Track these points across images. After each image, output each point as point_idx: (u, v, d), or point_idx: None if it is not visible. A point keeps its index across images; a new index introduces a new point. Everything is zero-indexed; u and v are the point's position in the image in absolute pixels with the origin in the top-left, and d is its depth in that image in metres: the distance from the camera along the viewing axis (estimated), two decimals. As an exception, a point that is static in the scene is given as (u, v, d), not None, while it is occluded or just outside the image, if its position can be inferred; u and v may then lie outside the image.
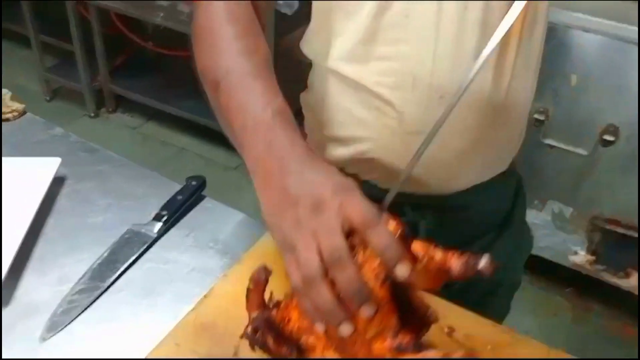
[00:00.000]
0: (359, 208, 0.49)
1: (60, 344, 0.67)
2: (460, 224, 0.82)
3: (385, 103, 0.71)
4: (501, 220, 0.89)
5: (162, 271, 0.77)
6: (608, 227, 1.79)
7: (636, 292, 1.84)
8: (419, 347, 0.51)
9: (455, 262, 0.52)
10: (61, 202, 0.87)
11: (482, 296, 0.87)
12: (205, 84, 0.66)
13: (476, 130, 0.73)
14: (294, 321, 0.56)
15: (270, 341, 0.54)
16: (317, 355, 0.55)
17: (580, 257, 1.92)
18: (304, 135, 0.71)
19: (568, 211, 1.85)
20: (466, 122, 0.71)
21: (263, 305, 0.58)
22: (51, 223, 0.83)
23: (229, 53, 0.64)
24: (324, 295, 0.48)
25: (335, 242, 0.48)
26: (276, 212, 0.53)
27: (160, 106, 2.63)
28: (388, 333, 0.51)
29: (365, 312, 0.49)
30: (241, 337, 0.59)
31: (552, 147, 1.70)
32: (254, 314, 0.59)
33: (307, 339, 0.55)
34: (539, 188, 1.84)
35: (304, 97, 0.85)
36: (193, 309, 0.68)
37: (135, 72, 2.81)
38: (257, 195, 0.56)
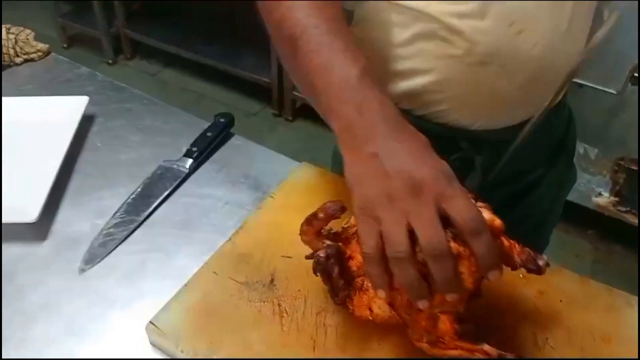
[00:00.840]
0: (464, 210, 0.48)
1: (98, 275, 0.69)
2: (515, 158, 0.81)
3: (452, 32, 0.68)
4: (552, 152, 0.88)
5: (197, 205, 0.78)
6: (634, 168, 1.76)
7: (660, 234, 1.84)
8: (477, 338, 0.53)
9: (518, 256, 0.55)
10: (93, 139, 0.88)
11: (532, 229, 0.87)
12: (278, 39, 0.62)
13: (539, 60, 0.70)
14: (356, 261, 0.56)
15: (335, 271, 0.55)
16: (369, 297, 0.56)
17: (603, 199, 1.90)
18: None
19: (593, 152, 1.82)
20: (531, 52, 0.69)
21: (319, 235, 0.58)
22: (85, 159, 0.84)
23: (306, 7, 0.59)
24: (411, 274, 0.49)
25: (437, 234, 0.48)
26: (364, 178, 0.51)
27: (179, 51, 2.61)
28: (452, 315, 0.53)
29: (451, 298, 0.50)
30: (307, 257, 0.59)
31: (581, 85, 1.65)
32: (313, 241, 0.59)
33: (363, 280, 0.56)
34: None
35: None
36: (229, 240, 0.69)
37: (152, 17, 2.78)
38: (339, 150, 0.55)
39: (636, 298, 0.67)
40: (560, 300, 0.66)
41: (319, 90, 0.56)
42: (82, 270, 0.68)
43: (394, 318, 0.56)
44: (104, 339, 0.62)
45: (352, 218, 0.59)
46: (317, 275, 0.57)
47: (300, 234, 0.59)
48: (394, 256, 0.48)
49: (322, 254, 0.55)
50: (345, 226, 0.58)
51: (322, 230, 0.59)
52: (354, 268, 0.56)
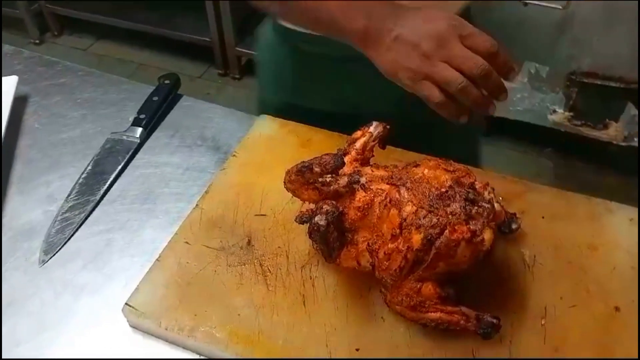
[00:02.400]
0: (481, 40, 0.59)
1: (60, 264, 0.63)
2: None
3: None
4: None
5: (155, 175, 0.73)
6: (586, 80, 1.78)
7: (615, 142, 1.88)
8: (459, 300, 0.52)
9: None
10: (29, 121, 0.81)
11: (450, 143, 0.85)
12: None
13: None
14: (348, 217, 0.53)
15: (332, 237, 0.52)
16: (358, 250, 0.54)
17: (558, 116, 1.92)
18: None
19: (544, 70, 1.83)
20: None
21: (308, 185, 0.55)
22: (25, 144, 0.77)
23: None
24: (477, 93, 0.59)
25: (477, 59, 0.58)
26: (397, 59, 0.60)
27: (110, 21, 2.46)
28: (436, 280, 0.52)
29: (503, 98, 0.61)
30: (300, 221, 0.56)
31: (526, 4, 1.64)
32: (299, 190, 0.55)
33: (353, 234, 0.54)
34: (515, 50, 1.80)
35: None
36: (196, 207, 0.65)
37: (73, -13, 2.60)
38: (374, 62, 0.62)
39: (615, 204, 0.67)
40: (542, 217, 0.65)
41: (328, 19, 0.64)
42: (43, 262, 0.63)
43: None
44: (79, 329, 0.57)
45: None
46: (312, 239, 0.53)
47: (285, 182, 0.56)
48: (459, 88, 0.58)
49: (321, 221, 0.51)
50: (331, 178, 0.54)
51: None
52: (346, 224, 0.54)
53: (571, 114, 1.89)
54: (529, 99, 1.93)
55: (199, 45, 2.35)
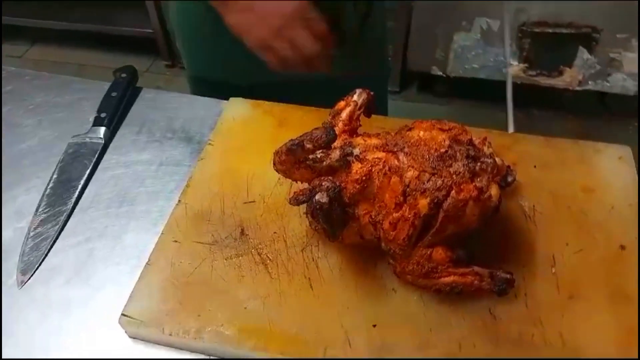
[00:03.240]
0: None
1: (41, 282, 0.59)
2: None
3: None
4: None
5: (127, 175, 0.68)
6: (537, 30, 1.80)
7: (571, 87, 1.92)
8: (471, 260, 0.51)
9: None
10: (-21, 135, 0.74)
11: None
12: None
13: None
14: (347, 191, 0.50)
15: (335, 214, 0.49)
16: (361, 225, 0.52)
17: (513, 68, 1.94)
18: None
19: (496, 25, 1.84)
20: None
21: (299, 164, 0.52)
22: (-22, 160, 0.71)
23: None
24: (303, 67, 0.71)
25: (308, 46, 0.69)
26: (247, 27, 0.69)
27: (44, 24, 2.32)
28: (446, 244, 0.51)
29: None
30: (297, 201, 0.52)
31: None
32: (290, 171, 0.53)
33: (354, 209, 0.51)
34: (465, 6, 1.80)
35: None
36: (179, 203, 0.61)
37: (-3, -8, 2.44)
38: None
39: (602, 144, 0.66)
40: (535, 166, 0.64)
41: None
42: (22, 282, 0.58)
43: None
44: (73, 348, 0.53)
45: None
46: (314, 219, 0.50)
47: (275, 164, 0.53)
48: (290, 65, 0.70)
49: (323, 199, 0.48)
50: (322, 153, 0.51)
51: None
52: (345, 199, 0.51)
53: (525, 65, 1.91)
54: (483, 55, 1.94)
55: (142, 38, 2.26)
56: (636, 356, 0.49)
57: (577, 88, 1.91)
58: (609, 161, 0.64)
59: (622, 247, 0.56)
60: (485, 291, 0.51)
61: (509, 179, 0.60)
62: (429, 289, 0.52)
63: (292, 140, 0.51)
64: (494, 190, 0.49)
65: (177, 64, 2.34)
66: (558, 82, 1.91)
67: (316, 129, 0.50)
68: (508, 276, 0.51)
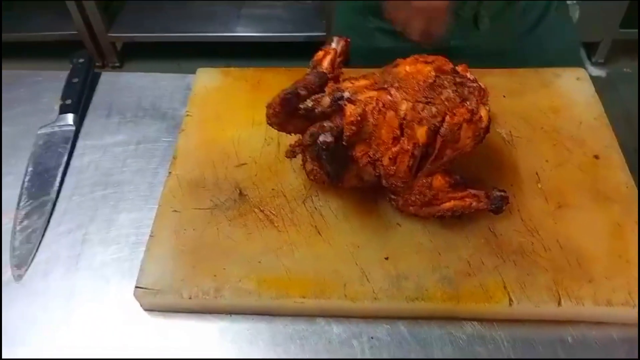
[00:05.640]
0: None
1: (40, 274, 0.57)
2: None
3: None
4: None
5: (106, 159, 0.67)
6: None
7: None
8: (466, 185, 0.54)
9: None
10: None
11: None
12: None
13: None
14: (345, 133, 0.51)
15: (339, 153, 0.50)
16: (359, 167, 0.53)
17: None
18: None
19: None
20: None
21: (293, 116, 0.52)
22: (-59, 164, 0.67)
23: None
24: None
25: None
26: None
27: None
28: (444, 170, 0.53)
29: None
30: (293, 155, 0.54)
31: None
32: (284, 123, 0.53)
33: (353, 152, 0.52)
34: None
35: None
36: (170, 175, 0.61)
37: None
38: None
39: (560, 69, 0.71)
40: (504, 96, 0.68)
41: None
42: (19, 277, 0.56)
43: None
44: (89, 331, 0.52)
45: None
46: (320, 160, 0.51)
47: (269, 117, 0.53)
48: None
49: (328, 138, 0.48)
50: (313, 101, 0.52)
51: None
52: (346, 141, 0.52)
53: None
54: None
55: (66, 40, 2.16)
56: (627, 250, 0.53)
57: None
58: (568, 82, 0.69)
59: (596, 157, 0.61)
60: (483, 211, 0.54)
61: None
62: (431, 216, 0.54)
63: (284, 89, 0.52)
64: (483, 112, 0.51)
65: (108, 63, 2.26)
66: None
67: (307, 74, 0.51)
68: (502, 193, 0.54)
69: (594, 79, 0.70)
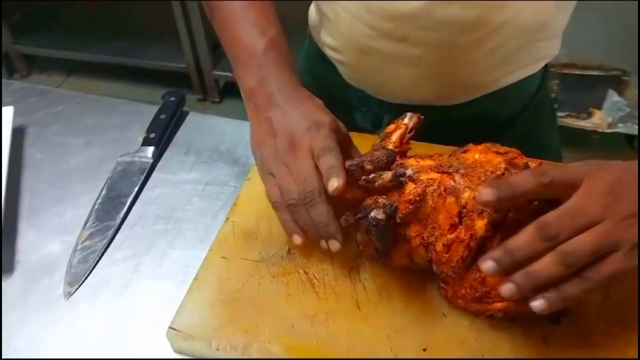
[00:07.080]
0: (317, 142, 0.53)
1: (87, 296, 0.59)
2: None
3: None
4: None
5: (174, 194, 0.69)
6: (565, 72, 1.81)
7: (600, 129, 1.91)
8: None
9: None
10: (30, 152, 0.77)
11: None
12: (206, 7, 0.68)
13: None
14: (401, 210, 0.50)
15: (390, 232, 0.49)
16: (411, 247, 0.51)
17: (542, 110, 1.94)
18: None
19: (525, 66, 1.85)
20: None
21: (353, 185, 0.52)
22: (29, 176, 0.73)
23: None
24: (305, 217, 0.53)
25: (305, 184, 0.52)
26: (259, 141, 0.57)
27: (81, 56, 2.40)
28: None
29: (333, 246, 0.53)
30: (348, 224, 0.52)
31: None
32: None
33: (404, 230, 0.51)
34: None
35: None
36: (227, 220, 0.62)
37: (38, 26, 2.54)
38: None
39: None
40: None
41: (232, 60, 0.63)
42: (69, 294, 0.59)
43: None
44: (119, 361, 0.53)
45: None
46: (368, 236, 0.50)
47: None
48: (288, 204, 0.53)
49: (379, 215, 0.47)
50: (375, 175, 0.52)
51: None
52: (397, 220, 0.51)
53: (555, 105, 1.91)
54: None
55: (175, 72, 2.32)
56: None
57: (606, 130, 1.90)
58: None
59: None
60: (538, 317, 0.50)
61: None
62: (481, 314, 0.51)
63: (350, 160, 0.51)
64: None
65: (208, 98, 2.39)
66: (587, 123, 1.90)
67: (376, 150, 0.51)
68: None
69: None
